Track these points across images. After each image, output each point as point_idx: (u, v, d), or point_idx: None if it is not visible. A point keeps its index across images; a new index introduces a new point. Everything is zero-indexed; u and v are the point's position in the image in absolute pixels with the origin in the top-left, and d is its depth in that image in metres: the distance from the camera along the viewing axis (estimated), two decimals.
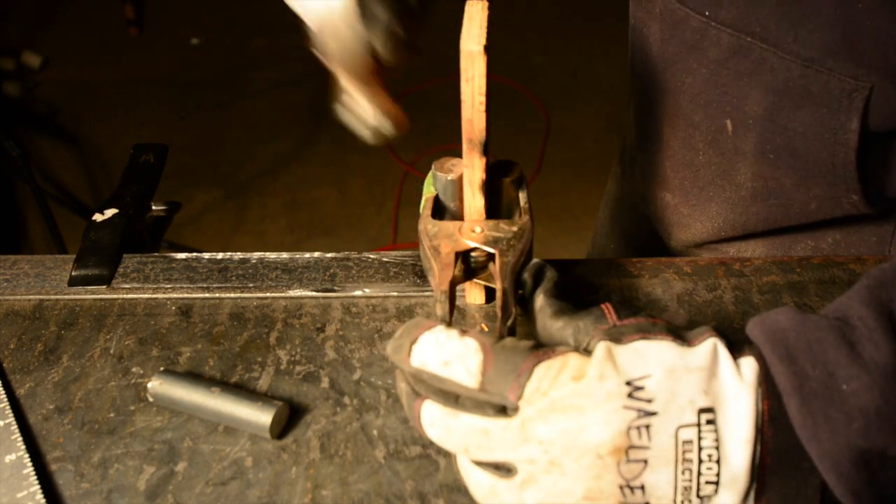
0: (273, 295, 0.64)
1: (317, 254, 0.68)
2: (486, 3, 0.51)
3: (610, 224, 1.00)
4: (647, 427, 0.40)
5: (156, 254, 0.69)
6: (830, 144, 0.61)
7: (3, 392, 0.57)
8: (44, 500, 0.50)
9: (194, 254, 0.68)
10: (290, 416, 0.55)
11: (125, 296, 0.65)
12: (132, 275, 0.66)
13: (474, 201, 0.55)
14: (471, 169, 0.54)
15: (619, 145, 0.98)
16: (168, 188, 0.78)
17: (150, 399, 0.56)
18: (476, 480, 0.44)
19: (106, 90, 2.82)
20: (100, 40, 3.03)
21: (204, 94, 2.80)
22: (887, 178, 0.64)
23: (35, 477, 0.51)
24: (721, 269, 0.65)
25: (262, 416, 0.53)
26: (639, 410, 0.40)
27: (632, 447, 0.40)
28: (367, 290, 0.64)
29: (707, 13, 0.63)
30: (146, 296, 0.65)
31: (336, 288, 0.64)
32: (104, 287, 0.65)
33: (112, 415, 0.56)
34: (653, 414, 0.40)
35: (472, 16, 0.50)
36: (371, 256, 0.67)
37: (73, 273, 0.66)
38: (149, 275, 0.66)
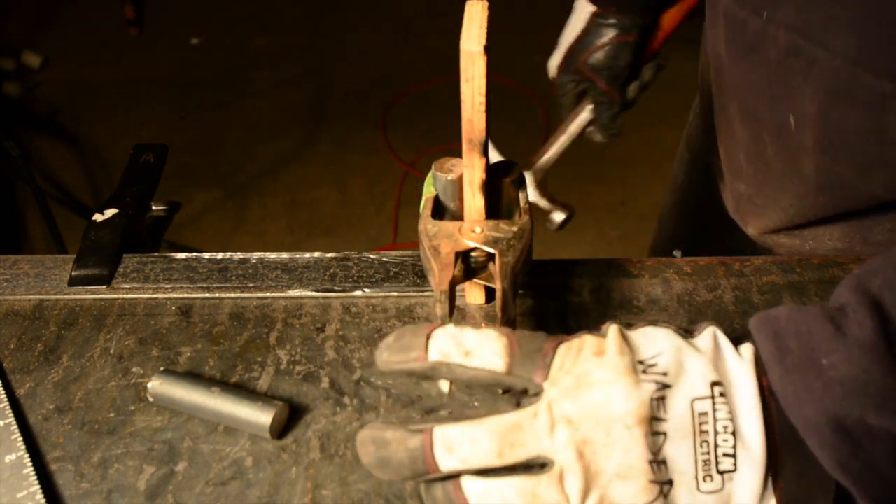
0: (273, 295, 0.64)
1: (317, 254, 0.68)
2: (486, 3, 0.51)
3: (677, 209, 1.06)
4: (664, 399, 0.41)
5: (156, 254, 0.69)
6: (882, 142, 0.63)
7: (3, 392, 0.57)
8: (44, 500, 0.50)
9: (194, 254, 0.68)
10: (290, 416, 0.55)
11: (125, 296, 0.65)
12: (132, 275, 0.66)
13: (474, 201, 0.55)
14: (471, 169, 0.53)
15: (685, 131, 1.04)
16: (168, 188, 0.78)
17: (150, 399, 0.56)
18: (509, 492, 0.42)
19: (106, 90, 2.82)
20: (100, 40, 3.03)
21: (204, 94, 2.80)
22: None
23: (35, 477, 0.51)
24: (721, 268, 0.65)
25: (262, 416, 0.53)
26: (656, 382, 0.41)
27: (654, 418, 0.41)
28: (367, 290, 0.64)
29: (765, 14, 0.66)
30: (146, 296, 0.65)
31: (336, 288, 0.64)
32: (104, 287, 0.65)
33: (112, 415, 0.56)
34: (668, 386, 0.42)
35: (472, 16, 0.50)
36: (371, 256, 0.67)
37: (73, 273, 0.66)
38: (149, 275, 0.66)
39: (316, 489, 0.51)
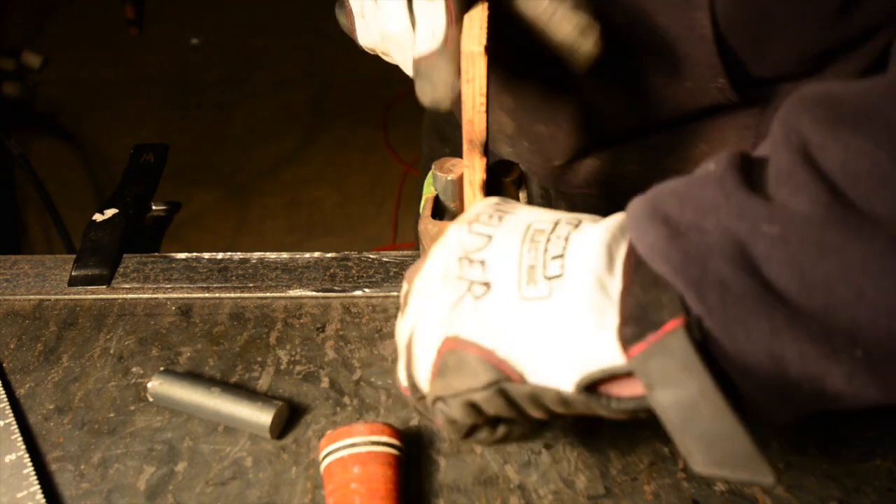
0: (273, 295, 0.64)
1: (317, 254, 0.68)
2: (486, 4, 0.50)
3: None
4: (501, 215, 0.42)
5: (156, 254, 0.69)
6: (692, 40, 0.59)
7: (3, 392, 0.57)
8: (44, 500, 0.50)
9: (194, 254, 0.68)
10: (290, 416, 0.55)
11: (125, 296, 0.65)
12: (132, 275, 0.66)
13: (474, 201, 0.55)
14: (471, 169, 0.54)
15: None
16: (168, 188, 0.78)
17: (150, 399, 0.56)
18: None
19: (106, 90, 2.82)
20: (100, 40, 3.03)
21: (204, 94, 2.80)
22: (747, 66, 0.62)
23: (35, 477, 0.51)
24: None
25: (262, 416, 0.53)
26: (497, 208, 0.44)
27: (477, 222, 0.42)
28: (367, 290, 0.64)
29: None
30: (146, 296, 0.65)
31: (336, 288, 0.64)
32: (104, 287, 0.65)
33: (112, 415, 0.56)
34: (509, 213, 0.43)
35: (472, 16, 0.50)
36: (371, 256, 0.67)
37: (73, 273, 0.66)
38: (149, 275, 0.66)
39: (316, 489, 0.51)
